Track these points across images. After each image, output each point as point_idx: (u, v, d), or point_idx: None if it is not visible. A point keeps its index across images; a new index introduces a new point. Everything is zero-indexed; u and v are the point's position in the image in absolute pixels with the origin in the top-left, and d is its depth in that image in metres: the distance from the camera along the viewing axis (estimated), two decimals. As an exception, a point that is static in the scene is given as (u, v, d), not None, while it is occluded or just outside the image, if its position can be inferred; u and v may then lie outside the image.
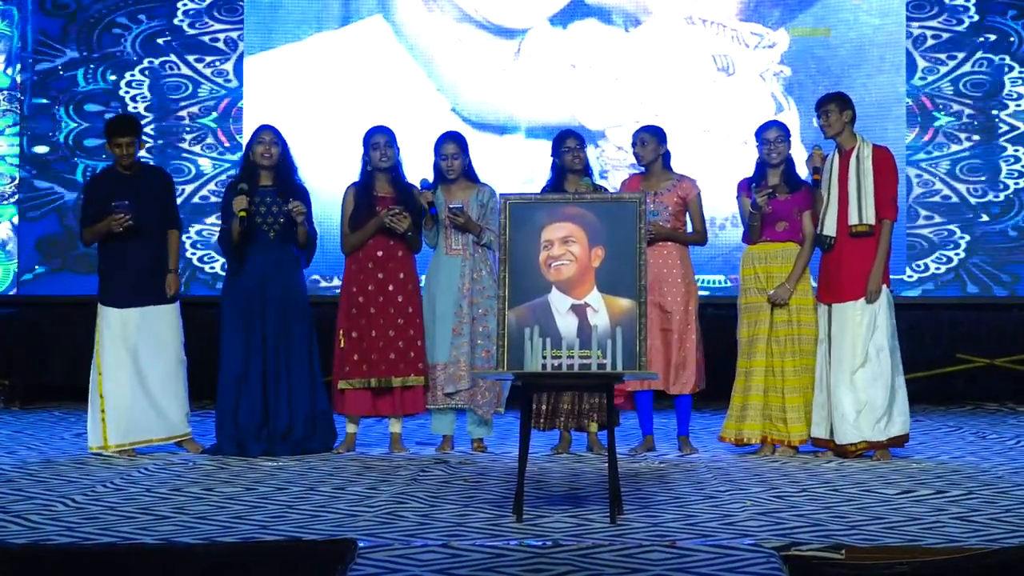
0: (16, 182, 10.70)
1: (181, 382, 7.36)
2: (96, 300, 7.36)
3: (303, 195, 7.38)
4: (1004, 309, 10.59)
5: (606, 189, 7.46)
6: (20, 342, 10.67)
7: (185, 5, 10.73)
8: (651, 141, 7.48)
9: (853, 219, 7.00)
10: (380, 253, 7.35)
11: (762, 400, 7.19)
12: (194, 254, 10.57)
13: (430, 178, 7.40)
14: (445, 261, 7.39)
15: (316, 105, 10.42)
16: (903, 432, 7.03)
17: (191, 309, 7.62)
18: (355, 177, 7.47)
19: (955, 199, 10.54)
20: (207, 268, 10.57)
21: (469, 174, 7.47)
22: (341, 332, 7.36)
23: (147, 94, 10.70)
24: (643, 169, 7.56)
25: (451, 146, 7.41)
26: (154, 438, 7.26)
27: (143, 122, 10.20)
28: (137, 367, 7.23)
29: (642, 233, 5.39)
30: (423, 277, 7.55)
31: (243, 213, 7.14)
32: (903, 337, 7.18)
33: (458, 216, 7.23)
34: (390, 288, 7.35)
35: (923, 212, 10.52)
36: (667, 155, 7.57)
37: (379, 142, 7.36)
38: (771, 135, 7.26)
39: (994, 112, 10.57)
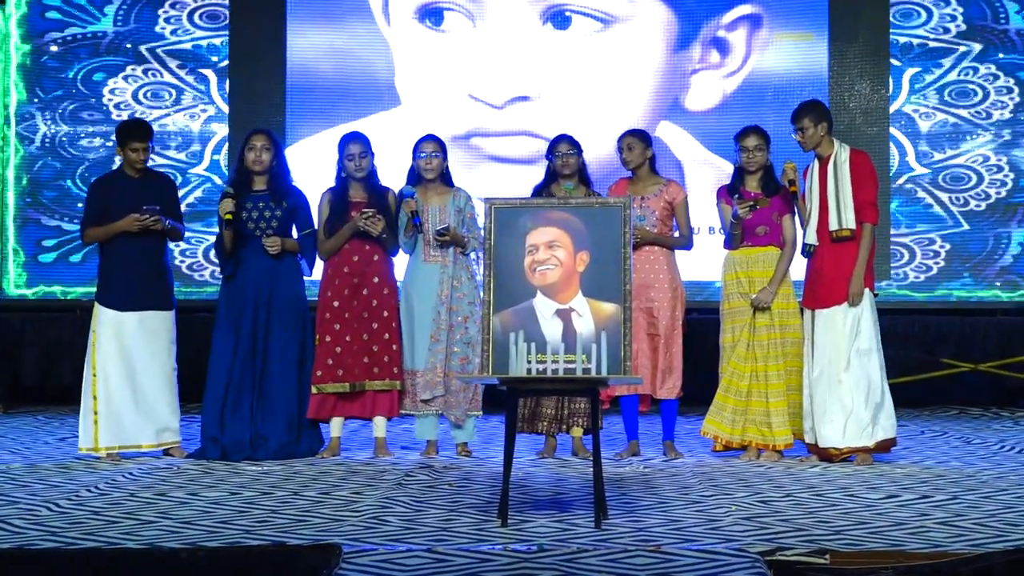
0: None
1: (172, 389, 7.36)
2: (80, 303, 7.35)
3: (297, 199, 7.40)
4: (988, 314, 10.62)
5: (599, 194, 7.45)
6: (3, 346, 10.64)
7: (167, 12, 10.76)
8: (638, 145, 7.47)
9: (833, 224, 7.00)
10: (356, 258, 7.35)
11: (744, 405, 7.20)
12: (183, 261, 10.59)
13: (405, 185, 7.42)
14: (423, 268, 7.38)
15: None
16: (889, 436, 7.04)
17: (180, 314, 7.59)
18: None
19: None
20: (197, 276, 10.58)
21: (445, 178, 7.48)
22: (317, 337, 7.37)
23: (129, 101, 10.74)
24: (630, 173, 7.56)
25: (431, 145, 7.43)
26: (143, 444, 7.26)
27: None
28: (131, 371, 7.23)
29: (627, 238, 5.39)
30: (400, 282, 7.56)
31: (229, 216, 7.16)
32: (888, 341, 7.19)
33: (444, 236, 7.25)
34: (364, 292, 7.34)
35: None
36: (653, 159, 7.57)
37: (354, 153, 7.36)
38: (749, 143, 7.25)
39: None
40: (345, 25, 10.67)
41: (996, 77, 10.62)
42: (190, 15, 10.75)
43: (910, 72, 10.58)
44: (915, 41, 10.60)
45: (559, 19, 10.55)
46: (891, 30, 10.58)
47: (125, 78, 10.76)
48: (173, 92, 10.73)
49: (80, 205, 10.61)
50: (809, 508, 5.48)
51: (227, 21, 10.73)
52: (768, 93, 10.50)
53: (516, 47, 10.55)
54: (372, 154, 7.42)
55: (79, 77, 10.76)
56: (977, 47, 10.57)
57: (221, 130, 10.70)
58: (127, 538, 4.77)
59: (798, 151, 7.18)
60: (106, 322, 7.24)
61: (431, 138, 7.49)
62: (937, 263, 10.55)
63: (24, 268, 10.70)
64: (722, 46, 10.57)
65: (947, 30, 10.59)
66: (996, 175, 10.60)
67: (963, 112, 10.59)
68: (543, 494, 5.94)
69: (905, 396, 9.90)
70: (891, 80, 10.54)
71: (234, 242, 7.27)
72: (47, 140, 10.76)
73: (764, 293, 7.17)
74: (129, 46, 10.74)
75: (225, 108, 10.69)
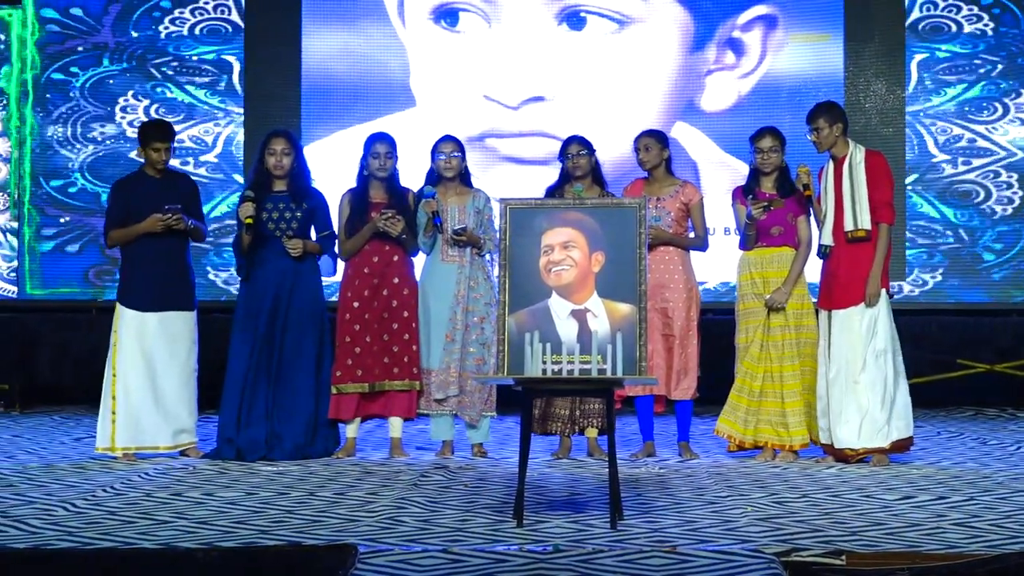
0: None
1: (192, 391, 7.37)
2: (96, 303, 7.36)
3: (317, 200, 7.42)
4: (1005, 315, 10.59)
5: (613, 194, 7.45)
6: (19, 346, 10.68)
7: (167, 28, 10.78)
8: (655, 146, 7.47)
9: (848, 225, 6.99)
10: (376, 259, 7.36)
11: (757, 405, 7.19)
12: (217, 276, 10.57)
13: (425, 185, 7.43)
14: (441, 268, 7.39)
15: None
16: (905, 436, 7.02)
17: (199, 314, 7.60)
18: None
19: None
20: (233, 290, 10.57)
21: (465, 178, 7.49)
22: (337, 337, 7.39)
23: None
24: (646, 173, 7.55)
25: (450, 145, 7.44)
26: (160, 445, 7.25)
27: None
28: (151, 371, 7.23)
29: (642, 238, 5.39)
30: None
31: (249, 220, 7.18)
32: (903, 342, 7.17)
33: (461, 236, 7.25)
34: (384, 293, 7.35)
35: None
36: (670, 160, 7.56)
37: (380, 152, 7.37)
38: (764, 144, 7.24)
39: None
40: (360, 26, 10.68)
41: (1018, 94, 10.55)
42: (192, 28, 10.74)
43: (924, 71, 10.55)
44: (939, 53, 10.56)
45: (574, 20, 10.55)
46: (911, 38, 10.52)
47: (135, 95, 10.76)
48: (185, 106, 10.72)
49: (74, 191, 10.72)
50: (825, 509, 5.47)
51: (230, 33, 10.72)
52: (783, 94, 10.48)
53: (531, 48, 10.55)
54: (396, 156, 7.44)
55: (87, 86, 10.78)
56: (1000, 66, 10.52)
57: (236, 132, 10.70)
58: (143, 538, 4.78)
59: (813, 152, 7.17)
60: (128, 322, 7.25)
61: (450, 139, 7.50)
62: (947, 264, 10.52)
63: (37, 262, 10.72)
64: (737, 47, 10.55)
65: (975, 44, 10.53)
66: (1005, 192, 10.53)
67: (979, 128, 10.54)
68: (558, 495, 5.94)
69: (921, 397, 9.85)
70: (906, 80, 10.51)
71: (251, 243, 7.29)
72: (55, 134, 10.78)
73: (778, 293, 7.16)
74: (136, 52, 10.76)
75: (240, 109, 10.70)
